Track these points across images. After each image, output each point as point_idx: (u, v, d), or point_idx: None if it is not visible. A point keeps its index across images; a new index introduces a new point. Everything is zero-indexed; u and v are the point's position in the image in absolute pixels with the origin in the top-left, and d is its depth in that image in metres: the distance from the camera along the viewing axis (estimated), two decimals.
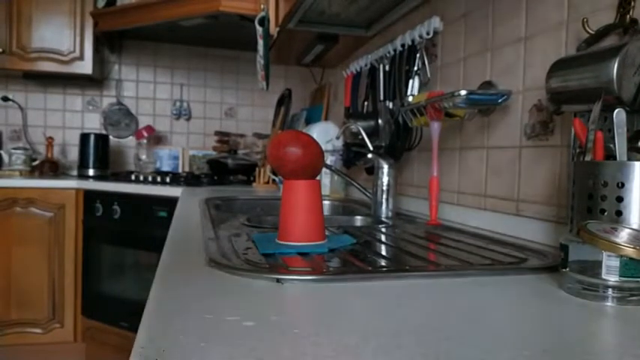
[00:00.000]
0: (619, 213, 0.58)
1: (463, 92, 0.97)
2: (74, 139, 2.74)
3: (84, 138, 2.59)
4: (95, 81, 2.79)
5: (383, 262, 0.74)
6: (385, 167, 1.24)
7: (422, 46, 1.34)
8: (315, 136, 1.13)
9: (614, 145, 0.61)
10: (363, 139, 1.38)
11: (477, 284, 0.58)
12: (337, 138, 1.54)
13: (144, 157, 2.73)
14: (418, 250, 0.83)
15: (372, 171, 1.29)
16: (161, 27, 2.41)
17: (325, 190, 1.78)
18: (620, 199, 0.58)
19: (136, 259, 2.16)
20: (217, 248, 0.72)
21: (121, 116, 2.83)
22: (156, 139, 2.88)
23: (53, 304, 2.28)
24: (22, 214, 2.24)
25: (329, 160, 1.78)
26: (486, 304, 0.50)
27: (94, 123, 2.84)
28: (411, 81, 1.36)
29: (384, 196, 1.23)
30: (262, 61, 1.95)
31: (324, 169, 1.68)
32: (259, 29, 1.89)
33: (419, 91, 1.34)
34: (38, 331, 2.27)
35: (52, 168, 2.62)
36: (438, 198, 1.13)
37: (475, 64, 1.14)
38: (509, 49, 1.01)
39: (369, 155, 1.50)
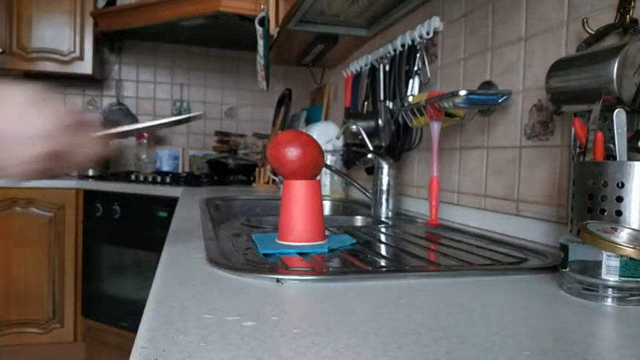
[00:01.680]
0: (619, 213, 0.58)
1: (463, 92, 0.97)
2: None
3: None
4: (95, 81, 2.79)
5: (383, 262, 0.74)
6: (385, 167, 1.24)
7: (422, 46, 1.34)
8: (315, 136, 1.13)
9: (614, 145, 0.61)
10: (363, 139, 1.38)
11: (476, 284, 0.58)
12: (337, 138, 1.54)
13: (144, 157, 2.73)
14: (418, 250, 0.83)
15: (372, 171, 1.29)
16: (161, 27, 2.41)
17: (325, 190, 1.78)
18: (620, 199, 0.58)
19: (136, 259, 2.16)
20: (217, 248, 0.72)
21: (121, 116, 2.83)
22: (156, 139, 2.88)
23: (53, 304, 2.28)
24: (22, 214, 2.24)
25: (329, 160, 1.78)
26: (486, 304, 0.50)
27: None
28: (411, 81, 1.36)
29: (384, 196, 1.23)
30: (262, 61, 1.95)
31: (324, 169, 1.68)
32: (259, 29, 1.89)
33: (419, 91, 1.34)
34: (38, 331, 2.27)
35: None
36: (438, 198, 1.13)
37: (475, 64, 1.14)
38: (509, 49, 1.01)
39: (369, 155, 1.50)
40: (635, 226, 0.57)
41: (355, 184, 1.43)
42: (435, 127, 1.13)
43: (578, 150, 0.73)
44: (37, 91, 0.54)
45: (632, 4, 0.72)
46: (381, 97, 1.51)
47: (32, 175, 0.54)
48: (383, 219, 1.22)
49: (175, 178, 2.30)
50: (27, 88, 0.53)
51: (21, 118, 0.52)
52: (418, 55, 1.35)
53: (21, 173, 0.54)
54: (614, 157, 0.61)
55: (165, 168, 2.71)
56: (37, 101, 0.53)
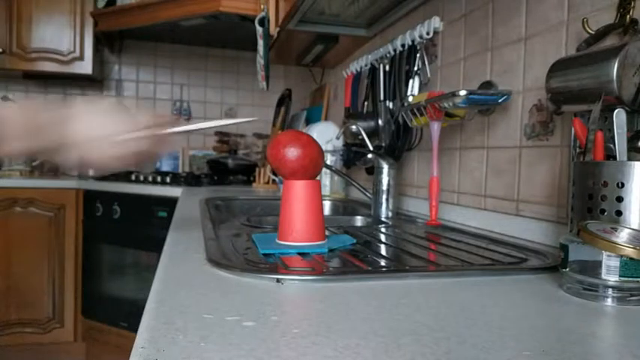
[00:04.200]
0: (619, 213, 0.58)
1: (463, 92, 0.97)
2: None
3: None
4: (95, 81, 2.79)
5: (383, 262, 0.74)
6: (385, 167, 1.23)
7: (422, 46, 1.34)
8: (315, 136, 1.13)
9: (614, 145, 0.61)
10: (363, 139, 1.38)
11: (477, 284, 0.58)
12: (337, 138, 1.54)
13: None
14: (418, 250, 0.83)
15: (372, 171, 1.29)
16: (161, 27, 2.41)
17: (325, 190, 1.78)
18: (620, 199, 0.58)
19: (136, 259, 2.16)
20: (217, 248, 0.72)
21: None
22: None
23: (53, 304, 2.28)
24: (22, 214, 2.24)
25: (329, 160, 1.78)
26: (486, 304, 0.50)
27: None
28: (411, 81, 1.36)
29: (384, 196, 1.23)
30: (262, 61, 1.96)
31: (324, 169, 1.68)
32: (259, 29, 1.89)
33: (419, 91, 1.34)
34: (38, 331, 2.27)
35: (52, 168, 2.61)
36: (438, 198, 1.13)
37: (475, 64, 1.14)
38: (509, 49, 1.01)
39: (369, 155, 1.50)
40: (635, 226, 0.57)
41: (355, 184, 1.43)
42: (435, 127, 1.13)
43: (578, 150, 0.73)
44: (118, 104, 0.70)
45: (632, 4, 0.72)
46: (381, 97, 1.51)
47: (119, 167, 0.70)
48: (383, 219, 1.22)
49: (175, 178, 2.30)
50: (112, 101, 0.66)
51: (119, 125, 0.67)
52: (418, 55, 1.35)
53: (112, 167, 0.69)
54: (614, 157, 0.61)
55: (165, 168, 2.71)
56: (123, 111, 0.69)
